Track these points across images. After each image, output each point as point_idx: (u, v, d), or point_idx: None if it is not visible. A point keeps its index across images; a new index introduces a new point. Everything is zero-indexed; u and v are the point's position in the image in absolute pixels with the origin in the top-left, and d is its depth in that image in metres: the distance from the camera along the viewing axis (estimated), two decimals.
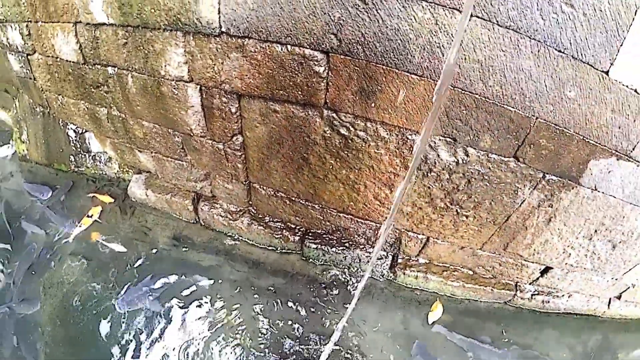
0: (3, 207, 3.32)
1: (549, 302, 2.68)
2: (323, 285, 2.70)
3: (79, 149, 3.33)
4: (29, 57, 2.86)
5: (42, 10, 2.37)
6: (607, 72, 1.49)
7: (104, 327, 2.57)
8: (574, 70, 1.49)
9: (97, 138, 3.15)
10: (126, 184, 3.22)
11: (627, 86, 1.52)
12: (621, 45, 1.42)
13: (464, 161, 1.84)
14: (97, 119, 2.82)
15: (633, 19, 1.36)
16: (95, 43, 2.23)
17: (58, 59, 2.57)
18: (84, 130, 3.20)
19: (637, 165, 1.78)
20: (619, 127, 1.64)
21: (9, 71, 3.25)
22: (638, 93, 1.54)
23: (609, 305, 2.78)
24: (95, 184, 3.40)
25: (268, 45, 1.68)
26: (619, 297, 2.76)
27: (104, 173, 3.40)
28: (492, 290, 2.61)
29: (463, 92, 1.60)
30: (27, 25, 2.61)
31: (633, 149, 1.71)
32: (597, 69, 1.49)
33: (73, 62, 2.47)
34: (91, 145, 3.26)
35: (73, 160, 3.41)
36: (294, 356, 2.42)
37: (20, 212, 3.33)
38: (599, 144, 1.69)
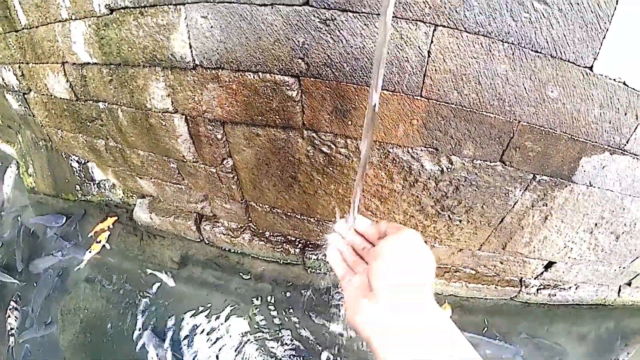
0: (21, 241, 3.43)
1: (555, 295, 2.65)
2: (325, 294, 2.74)
3: (83, 179, 3.43)
4: (25, 96, 2.96)
5: (30, 53, 2.45)
6: (591, 68, 1.43)
7: (123, 349, 2.65)
8: (554, 69, 1.44)
9: (99, 167, 3.24)
10: (131, 208, 3.30)
11: (614, 80, 1.46)
12: (604, 37, 1.35)
13: (449, 169, 1.83)
14: (96, 150, 2.89)
15: (615, 8, 1.28)
16: (83, 81, 2.29)
17: (52, 97, 2.65)
18: (86, 161, 3.29)
19: (633, 158, 1.73)
20: (610, 122, 1.58)
21: (9, 109, 3.37)
22: (627, 85, 1.47)
23: (619, 292, 2.72)
24: (102, 211, 3.50)
25: (240, 74, 1.69)
26: (629, 284, 2.71)
27: (109, 199, 3.49)
28: (496, 287, 2.59)
29: (438, 103, 1.58)
30: (19, 67, 2.70)
31: (627, 142, 1.65)
32: (579, 66, 1.43)
33: (66, 99, 2.55)
34: (94, 174, 3.35)
35: (79, 189, 3.52)
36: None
37: (35, 244, 3.46)
38: (589, 140, 1.64)
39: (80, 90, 2.39)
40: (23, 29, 2.36)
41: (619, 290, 2.75)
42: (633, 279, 2.66)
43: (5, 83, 3.03)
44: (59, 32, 2.14)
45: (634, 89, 1.48)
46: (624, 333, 2.72)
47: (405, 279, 0.61)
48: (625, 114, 1.56)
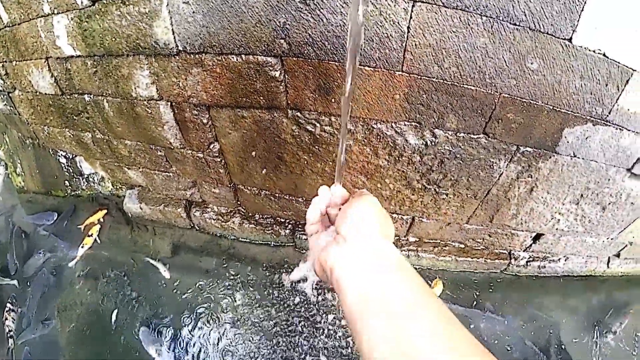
0: (13, 242, 3.41)
1: (545, 267, 2.70)
2: None
3: (72, 174, 3.41)
4: (10, 94, 2.93)
5: (14, 50, 2.43)
6: (570, 40, 1.45)
7: (121, 342, 2.66)
8: (532, 41, 1.46)
9: (87, 161, 3.23)
10: (121, 200, 3.30)
11: (593, 51, 1.48)
12: (582, 10, 1.37)
13: (433, 143, 1.85)
14: (83, 144, 2.88)
15: None
16: (68, 75, 2.28)
17: (37, 93, 2.64)
18: (74, 155, 3.27)
19: (616, 129, 1.75)
20: (591, 93, 1.61)
21: None
22: (606, 57, 1.49)
23: (608, 264, 2.78)
24: (92, 205, 3.48)
25: (224, 58, 1.70)
26: (617, 255, 2.76)
27: (99, 192, 3.48)
28: (485, 261, 2.64)
29: (419, 77, 1.60)
30: (3, 66, 2.68)
31: (609, 113, 1.67)
32: (558, 38, 1.45)
33: (51, 94, 2.53)
34: (83, 168, 3.33)
35: (68, 184, 3.50)
36: (298, 343, 2.51)
37: (27, 244, 3.43)
38: (571, 112, 1.66)
39: (65, 84, 2.38)
40: (5, 27, 2.34)
41: (608, 261, 2.80)
42: (621, 250, 2.71)
43: None
44: (41, 28, 2.12)
45: (613, 60, 1.50)
46: (614, 305, 2.77)
47: (365, 223, 0.74)
48: (606, 85, 1.59)
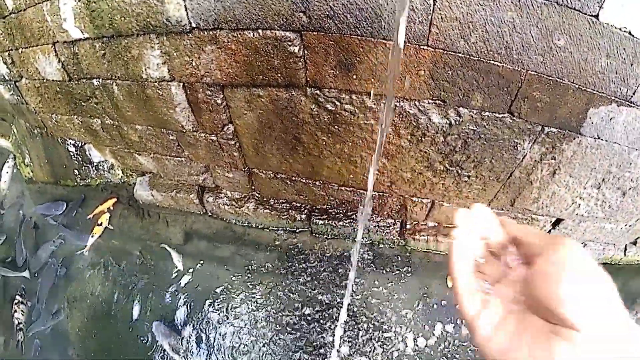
0: (22, 234, 3.39)
1: None
2: (335, 259, 2.73)
3: (81, 162, 3.38)
4: (16, 83, 2.91)
5: (20, 37, 2.40)
6: (596, 16, 1.40)
7: (132, 334, 2.64)
8: (560, 17, 1.41)
9: (96, 148, 3.19)
10: (132, 187, 3.27)
11: (619, 29, 1.43)
12: None
13: (457, 122, 1.80)
14: (92, 131, 2.84)
15: None
16: (75, 59, 2.24)
17: (45, 80, 2.60)
18: (83, 143, 3.24)
19: None
20: (616, 73, 1.55)
21: (1, 100, 3.31)
22: (632, 35, 1.44)
23: (625, 251, 2.73)
24: (102, 193, 3.45)
25: (240, 33, 1.65)
26: (634, 243, 2.71)
27: (109, 181, 3.45)
28: None
29: (445, 52, 1.54)
30: (9, 54, 2.65)
31: (633, 94, 1.62)
32: (585, 14, 1.40)
33: (59, 80, 2.50)
34: (92, 156, 3.30)
35: (78, 173, 3.47)
36: (314, 329, 2.48)
37: (37, 235, 3.42)
38: (597, 91, 1.61)
39: (72, 69, 2.34)
40: (10, 14, 2.30)
41: (625, 249, 2.75)
42: (639, 237, 2.66)
43: None
44: (47, 11, 2.08)
45: (639, 39, 1.45)
46: (630, 293, 2.72)
47: (610, 305, 0.47)
48: (632, 65, 1.53)
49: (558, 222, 2.44)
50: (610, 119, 1.74)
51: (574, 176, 2.05)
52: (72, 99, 2.61)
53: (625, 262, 2.80)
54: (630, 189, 2.13)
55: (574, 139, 1.83)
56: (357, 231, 2.61)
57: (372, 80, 1.69)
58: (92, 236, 3.10)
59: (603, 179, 2.08)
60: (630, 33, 1.44)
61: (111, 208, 3.27)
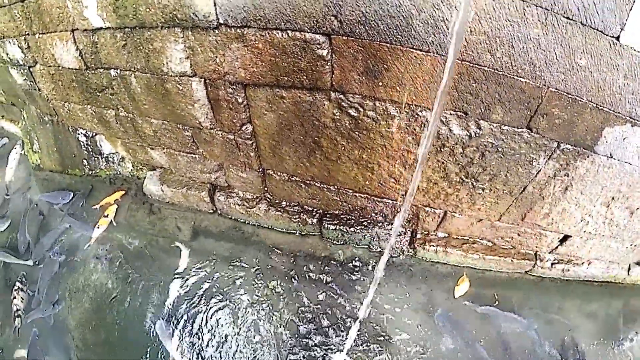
0: (27, 221, 3.36)
1: (569, 270, 2.67)
2: (344, 265, 2.74)
3: (91, 152, 3.37)
4: (30, 69, 2.89)
5: (38, 23, 2.38)
6: (617, 38, 1.43)
7: (134, 328, 2.62)
8: (583, 37, 1.44)
9: (108, 140, 3.18)
10: (141, 181, 3.26)
11: (638, 51, 1.46)
12: (631, 9, 1.36)
13: (477, 134, 1.82)
14: (105, 122, 2.84)
15: None
16: (94, 48, 2.23)
17: (60, 68, 2.59)
18: (94, 134, 3.23)
19: None
20: (632, 93, 1.59)
21: (14, 85, 3.30)
22: None
23: (629, 271, 2.75)
24: (110, 185, 3.44)
25: (268, 33, 1.66)
26: (638, 264, 2.73)
27: (118, 173, 3.44)
28: (512, 260, 2.61)
29: (471, 65, 1.57)
30: (25, 39, 2.63)
31: None
32: (607, 35, 1.43)
33: (75, 69, 2.49)
34: (103, 147, 3.29)
35: (87, 164, 3.46)
36: (321, 336, 2.47)
37: (41, 223, 3.39)
38: (613, 111, 1.64)
39: (90, 58, 2.33)
40: None
41: (629, 268, 2.77)
42: None
43: (9, 57, 2.95)
44: None
45: None
46: (632, 312, 2.74)
47: None
48: None
49: (565, 238, 2.46)
50: (624, 139, 1.77)
51: (585, 193, 2.07)
52: (87, 89, 2.61)
53: (629, 281, 2.82)
54: (638, 208, 2.16)
55: (588, 156, 1.85)
56: (369, 240, 2.63)
57: (398, 88, 1.71)
58: (98, 228, 3.07)
59: (613, 198, 2.10)
60: None
61: (119, 200, 3.26)
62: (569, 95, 1.60)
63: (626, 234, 2.36)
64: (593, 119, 1.68)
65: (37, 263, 3.09)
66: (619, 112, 1.65)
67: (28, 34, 2.57)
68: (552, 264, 2.64)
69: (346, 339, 2.39)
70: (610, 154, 1.84)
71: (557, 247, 2.53)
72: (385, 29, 1.52)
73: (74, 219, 3.25)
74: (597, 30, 1.42)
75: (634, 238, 2.40)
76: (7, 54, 2.93)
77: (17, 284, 2.95)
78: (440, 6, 1.44)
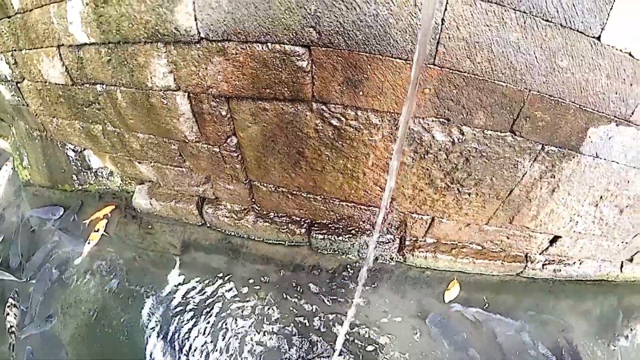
0: (19, 237, 3.35)
1: (560, 270, 2.67)
2: (333, 274, 2.73)
3: (80, 167, 3.36)
4: (18, 85, 2.89)
5: (24, 38, 2.39)
6: (598, 38, 1.45)
7: (126, 341, 2.60)
8: (563, 38, 1.46)
9: (96, 154, 3.17)
10: (130, 195, 3.25)
11: (620, 50, 1.48)
12: (611, 9, 1.38)
13: (460, 140, 1.82)
14: (93, 137, 2.83)
15: None
16: (80, 63, 2.23)
17: (47, 83, 2.58)
18: (82, 149, 3.22)
19: (638, 130, 1.75)
20: (616, 93, 1.60)
21: (2, 101, 3.29)
22: (632, 56, 1.50)
23: (621, 268, 2.76)
24: (100, 200, 3.42)
25: (248, 46, 1.66)
26: (630, 260, 2.74)
27: (107, 187, 3.42)
28: (502, 263, 2.61)
29: (451, 71, 1.57)
30: (12, 55, 2.63)
31: (632, 114, 1.67)
32: (588, 36, 1.45)
33: (62, 84, 2.49)
34: (91, 162, 3.28)
35: (76, 179, 3.45)
36: (311, 345, 2.45)
37: (32, 239, 3.37)
38: (597, 111, 1.66)
39: (76, 73, 2.33)
40: (16, 14, 2.29)
41: (622, 266, 2.77)
42: (635, 254, 2.69)
43: None
44: (54, 14, 2.07)
45: (639, 60, 1.50)
46: (626, 309, 2.75)
47: None
48: (631, 85, 1.58)
49: (555, 239, 2.46)
50: (609, 138, 1.78)
51: (572, 194, 2.08)
52: (74, 104, 2.60)
53: (622, 278, 2.83)
54: (627, 206, 2.17)
55: (574, 157, 1.87)
56: (358, 248, 2.62)
57: (379, 97, 1.71)
58: (89, 242, 3.07)
59: (601, 197, 2.11)
60: (630, 54, 1.49)
61: (109, 215, 3.25)
62: (552, 98, 1.61)
63: (616, 232, 2.37)
64: (577, 120, 1.70)
65: (29, 279, 3.07)
66: (603, 112, 1.67)
67: (15, 50, 2.58)
68: (543, 265, 2.64)
69: (335, 348, 2.38)
70: (596, 154, 1.85)
71: (547, 248, 2.53)
72: (363, 39, 1.52)
73: (65, 234, 3.23)
74: (578, 31, 1.44)
75: (624, 235, 2.42)
76: None
77: (10, 300, 2.92)
78: (417, 14, 1.44)
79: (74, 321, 2.79)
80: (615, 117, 1.68)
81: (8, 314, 2.84)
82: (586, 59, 1.51)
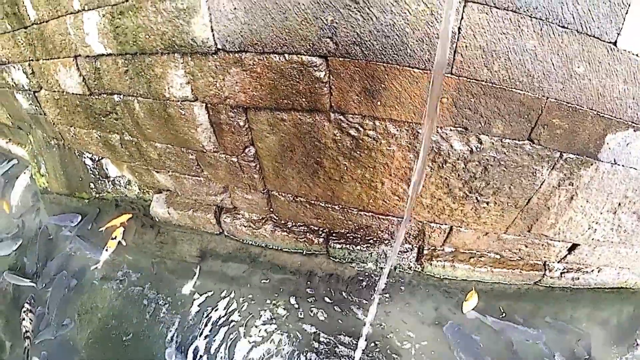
0: (37, 243, 3.40)
1: (579, 278, 2.63)
2: (351, 284, 2.73)
3: (97, 176, 3.41)
4: (35, 94, 2.93)
5: (41, 49, 2.43)
6: (614, 43, 1.43)
7: (142, 349, 2.62)
8: (580, 44, 1.44)
9: (114, 163, 3.22)
10: (148, 204, 3.28)
11: (637, 55, 1.46)
12: (626, 13, 1.36)
13: (478, 149, 1.82)
14: (111, 146, 2.87)
15: None
16: (97, 74, 2.27)
17: (64, 93, 2.63)
18: (100, 157, 3.27)
19: None
20: (633, 98, 1.58)
21: (20, 109, 3.34)
22: None
23: None
24: (117, 208, 3.47)
25: (265, 57, 1.68)
26: None
27: (125, 196, 3.47)
28: (520, 272, 2.57)
29: (468, 80, 1.57)
30: (29, 64, 2.68)
31: None
32: (604, 41, 1.43)
33: (79, 94, 2.53)
34: (109, 170, 3.33)
35: (93, 187, 3.50)
36: (330, 354, 2.45)
37: (50, 246, 3.43)
38: (614, 117, 1.63)
39: (93, 83, 2.37)
40: (33, 24, 2.34)
41: None
42: None
43: (14, 82, 3.00)
44: (70, 25, 2.11)
45: None
46: None
47: None
48: None
49: (574, 247, 2.43)
50: (627, 144, 1.75)
51: (590, 202, 2.05)
52: (92, 113, 2.64)
53: None
54: None
55: (592, 164, 1.84)
56: (376, 257, 2.62)
57: (397, 107, 1.71)
58: (106, 250, 3.10)
59: (619, 204, 2.08)
60: None
61: (125, 223, 3.29)
62: (569, 105, 1.60)
63: (635, 239, 2.33)
64: (595, 127, 1.67)
65: (45, 285, 3.11)
66: (620, 118, 1.64)
67: (32, 60, 2.62)
68: (562, 273, 2.60)
69: (354, 356, 2.37)
70: (614, 161, 1.83)
71: (565, 256, 2.50)
72: (380, 49, 1.53)
73: (82, 241, 3.28)
74: (594, 36, 1.43)
75: None
76: (12, 79, 2.99)
77: (26, 305, 2.97)
78: (434, 23, 1.45)
79: (89, 327, 2.82)
80: (632, 122, 1.65)
81: (24, 318, 2.89)
82: (603, 65, 1.49)
